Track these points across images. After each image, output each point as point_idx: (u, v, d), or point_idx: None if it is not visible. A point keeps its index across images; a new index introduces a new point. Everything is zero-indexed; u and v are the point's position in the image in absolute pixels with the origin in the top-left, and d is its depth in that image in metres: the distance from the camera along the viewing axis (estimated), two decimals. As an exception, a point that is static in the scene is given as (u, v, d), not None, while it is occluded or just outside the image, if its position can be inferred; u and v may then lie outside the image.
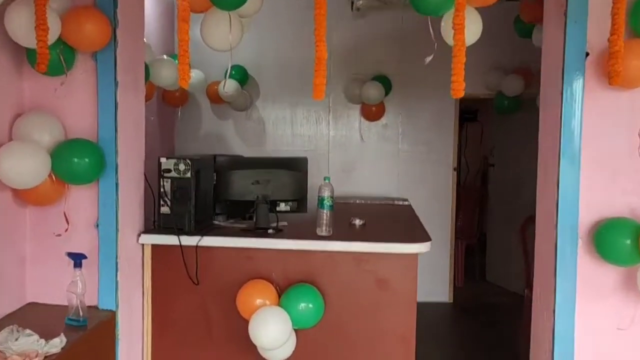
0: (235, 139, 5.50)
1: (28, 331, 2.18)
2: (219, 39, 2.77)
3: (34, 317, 2.54)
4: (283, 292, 2.83)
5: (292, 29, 5.41)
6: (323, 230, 2.96)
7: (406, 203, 4.82)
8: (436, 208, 5.48)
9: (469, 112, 6.99)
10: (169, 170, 2.88)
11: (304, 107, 5.51)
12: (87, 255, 2.54)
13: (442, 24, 2.70)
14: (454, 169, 5.55)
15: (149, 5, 4.44)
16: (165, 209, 2.89)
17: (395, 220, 3.83)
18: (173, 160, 2.89)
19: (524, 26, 4.13)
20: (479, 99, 6.25)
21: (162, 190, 2.88)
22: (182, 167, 2.88)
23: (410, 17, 5.41)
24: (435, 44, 3.01)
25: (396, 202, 4.84)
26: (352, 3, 5.36)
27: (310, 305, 2.73)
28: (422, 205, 5.11)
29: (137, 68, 2.84)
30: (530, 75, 5.24)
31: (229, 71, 3.13)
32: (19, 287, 2.61)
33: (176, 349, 2.95)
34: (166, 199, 2.88)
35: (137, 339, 2.89)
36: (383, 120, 5.47)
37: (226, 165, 3.14)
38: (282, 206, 3.13)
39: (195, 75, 4.84)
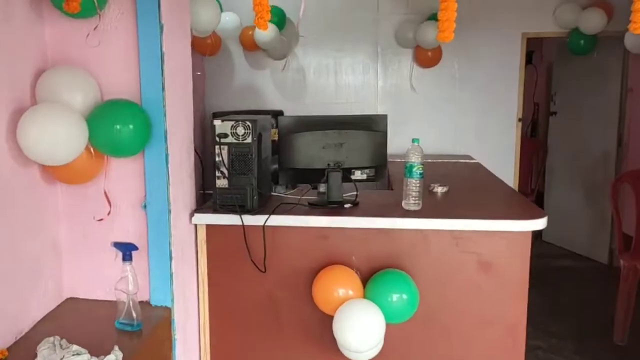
0: (272, 92, 4.95)
1: (75, 347, 1.75)
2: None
3: (77, 318, 2.11)
4: (367, 279, 2.39)
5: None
6: (412, 204, 2.48)
7: (474, 161, 4.30)
8: (498, 164, 4.92)
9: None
10: (225, 135, 2.39)
11: (349, 53, 4.92)
12: (136, 244, 2.08)
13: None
14: (519, 120, 4.99)
15: None
16: (222, 182, 2.41)
17: (480, 186, 3.33)
18: (230, 123, 2.38)
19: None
20: (538, 39, 5.63)
21: (218, 159, 2.40)
22: (240, 130, 2.38)
23: (472, -56, 4.73)
24: None
25: (462, 160, 4.32)
26: None
27: (404, 296, 2.28)
28: (483, 160, 4.60)
29: (182, 8, 2.29)
30: (611, 10, 4.59)
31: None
32: (56, 281, 2.18)
33: (240, 349, 2.54)
34: (223, 169, 2.39)
35: (193, 338, 2.48)
36: (438, 66, 4.87)
37: (290, 126, 2.64)
38: (358, 174, 2.64)
39: (229, 18, 4.25)
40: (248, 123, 2.38)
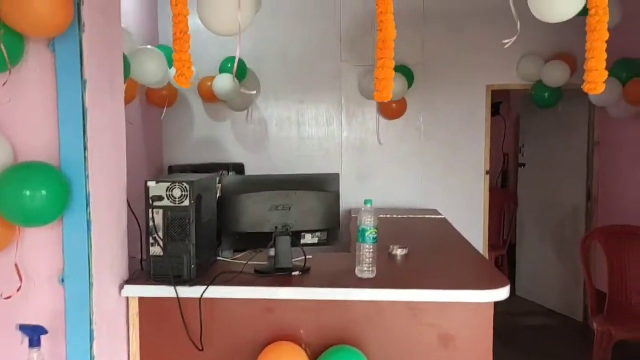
0: (233, 144, 4.78)
1: None
2: (224, 17, 2.06)
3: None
4: (316, 356, 2.16)
5: (296, 12, 4.71)
6: (365, 271, 2.29)
7: (439, 216, 4.15)
8: (466, 217, 4.82)
9: (492, 106, 6.32)
10: (159, 198, 2.18)
11: (312, 105, 4.82)
12: (47, 327, 1.84)
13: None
14: (486, 172, 4.90)
15: (127, -15, 3.72)
16: (156, 249, 2.19)
17: (442, 247, 3.15)
18: (165, 184, 2.19)
19: None
20: (505, 90, 5.62)
21: (151, 224, 2.18)
22: (177, 192, 2.18)
23: (434, -3, 4.74)
24: (518, 23, 2.36)
25: (427, 215, 4.17)
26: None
27: (356, 378, 2.05)
28: (450, 214, 4.47)
29: (112, 60, 2.13)
30: (574, 62, 4.60)
31: (237, 60, 2.43)
32: (-44, 368, 1.90)
33: None
34: (157, 236, 2.18)
35: None
36: (404, 118, 4.78)
37: (234, 186, 2.44)
38: (308, 238, 2.45)
39: (185, 69, 4.12)
40: (185, 184, 2.18)
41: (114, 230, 2.15)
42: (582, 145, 4.96)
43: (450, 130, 4.86)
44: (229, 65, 4.47)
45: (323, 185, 2.48)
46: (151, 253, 2.20)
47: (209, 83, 4.41)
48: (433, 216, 4.17)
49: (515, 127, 6.61)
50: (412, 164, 4.87)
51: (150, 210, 2.17)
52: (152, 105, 4.23)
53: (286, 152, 4.81)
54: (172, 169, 4.43)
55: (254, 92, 4.25)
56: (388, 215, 4.10)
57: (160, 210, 2.18)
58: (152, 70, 3.11)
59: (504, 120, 6.62)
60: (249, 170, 4.74)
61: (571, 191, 5.10)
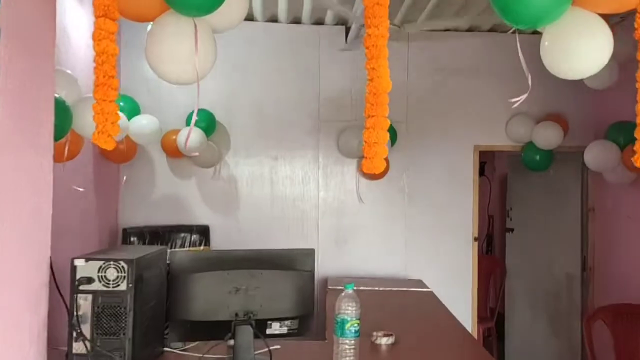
0: (199, 204, 4.37)
1: None
2: (178, 63, 1.72)
3: None
4: None
5: (271, 64, 4.44)
6: (345, 373, 1.86)
7: (425, 289, 3.76)
8: (453, 287, 4.44)
9: (476, 166, 6.08)
10: (89, 280, 1.76)
11: (288, 162, 4.47)
12: None
13: (545, 42, 1.84)
14: (474, 239, 4.56)
15: (73, 18, 3.39)
16: (79, 346, 1.75)
17: (431, 330, 2.74)
18: (97, 263, 1.77)
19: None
20: (490, 151, 5.38)
21: (75, 314, 1.75)
22: (112, 273, 1.77)
23: (417, 49, 4.52)
24: (529, 78, 2.08)
25: (412, 288, 3.77)
26: (346, 33, 4.43)
27: None
28: (436, 283, 4.09)
29: (38, 111, 1.74)
30: (566, 124, 4.38)
31: (194, 117, 2.09)
32: None
33: None
34: (78, 329, 1.74)
35: None
36: (386, 178, 4.46)
37: (186, 263, 2.02)
38: (276, 327, 2.03)
39: (146, 122, 3.76)
40: (123, 263, 1.77)
41: (26, 321, 1.71)
42: (575, 211, 4.68)
43: (436, 192, 4.55)
44: (197, 117, 4.13)
45: (295, 264, 2.08)
46: (74, 351, 1.75)
47: (174, 137, 4.04)
48: (419, 289, 3.78)
49: (501, 188, 6.35)
50: (395, 227, 4.51)
51: (75, 296, 1.74)
52: (108, 160, 3.83)
53: (258, 213, 4.42)
54: (127, 233, 3.98)
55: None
56: (370, 288, 3.70)
57: (89, 296, 1.76)
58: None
59: (489, 181, 6.37)
60: (215, 234, 4.32)
61: (565, 260, 4.77)
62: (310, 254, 2.10)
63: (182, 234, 4.13)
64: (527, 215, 5.24)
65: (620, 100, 4.14)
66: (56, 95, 1.96)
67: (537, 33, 4.39)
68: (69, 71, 2.69)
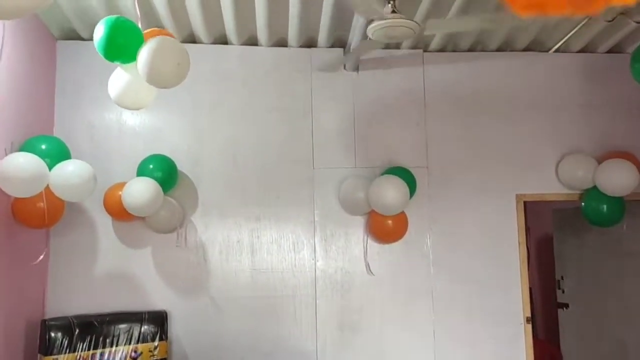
0: (155, 282, 3.30)
1: None
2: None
3: None
4: None
5: (250, 98, 3.51)
6: None
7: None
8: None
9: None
10: None
11: (273, 224, 3.44)
12: None
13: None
14: (527, 320, 3.44)
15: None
16: None
17: None
18: None
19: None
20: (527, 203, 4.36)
21: None
22: None
23: (436, 74, 3.60)
24: None
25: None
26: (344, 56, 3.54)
27: None
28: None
29: None
30: (637, 163, 3.38)
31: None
32: None
33: None
34: None
35: None
36: (404, 241, 3.42)
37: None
38: None
39: (73, 169, 2.77)
40: None
41: None
42: (655, 278, 3.59)
43: (469, 258, 3.50)
44: (151, 167, 3.16)
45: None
46: None
47: (120, 192, 3.04)
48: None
49: (540, 252, 5.27)
50: (420, 307, 3.42)
51: None
52: (23, 225, 2.81)
53: (234, 292, 3.34)
54: (46, 326, 2.88)
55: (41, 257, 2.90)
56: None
57: None
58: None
59: (527, 245, 5.27)
60: (176, 323, 3.24)
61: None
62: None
63: (128, 325, 3.04)
64: (586, 286, 4.15)
65: None
66: None
67: (585, 51, 3.49)
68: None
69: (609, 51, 3.66)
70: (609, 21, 3.27)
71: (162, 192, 3.07)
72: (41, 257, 3.02)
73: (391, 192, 3.15)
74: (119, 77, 2.28)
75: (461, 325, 3.42)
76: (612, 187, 3.25)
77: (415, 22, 2.45)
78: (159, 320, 3.12)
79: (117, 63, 2.19)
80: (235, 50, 3.51)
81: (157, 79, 2.25)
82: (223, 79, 3.49)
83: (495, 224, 3.54)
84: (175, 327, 3.24)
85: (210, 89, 3.48)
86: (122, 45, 2.12)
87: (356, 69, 3.57)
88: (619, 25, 3.30)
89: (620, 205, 3.34)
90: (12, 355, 2.79)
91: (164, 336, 3.11)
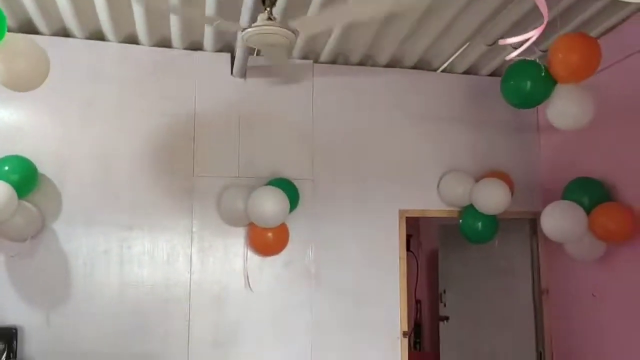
0: (5, 295, 3.01)
1: None
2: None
3: None
4: None
5: (125, 99, 3.32)
6: None
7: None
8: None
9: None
10: None
11: (147, 233, 3.26)
12: None
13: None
14: (404, 334, 3.49)
15: None
16: None
17: None
18: None
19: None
20: (413, 219, 4.47)
21: None
22: None
23: (325, 88, 3.59)
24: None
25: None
26: (232, 61, 3.44)
27: None
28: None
29: None
30: (511, 183, 3.54)
31: None
32: None
33: None
34: None
35: None
36: (285, 253, 3.36)
37: None
38: None
39: None
40: None
41: None
42: (525, 293, 3.77)
43: (352, 273, 3.50)
44: (5, 168, 2.89)
45: None
46: None
47: (-34, 193, 2.75)
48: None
49: (430, 266, 5.42)
50: (299, 323, 3.37)
51: None
52: None
53: (99, 307, 3.12)
54: None
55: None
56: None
57: None
58: None
59: (415, 258, 5.41)
60: (30, 340, 2.97)
61: (516, 356, 3.79)
62: None
63: (-31, 344, 2.75)
64: (464, 299, 4.29)
65: (579, 152, 3.37)
66: None
67: (469, 73, 3.61)
68: None
69: (491, 74, 3.81)
70: (489, 45, 3.41)
71: (16, 197, 2.81)
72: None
73: (269, 204, 3.08)
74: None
75: (339, 338, 3.40)
76: (486, 206, 3.37)
77: (291, 30, 2.39)
78: (6, 336, 2.84)
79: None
80: (112, 47, 3.31)
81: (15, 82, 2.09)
82: (98, 78, 3.28)
83: (378, 238, 3.57)
84: (30, 345, 2.97)
85: (82, 87, 3.25)
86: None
87: (243, 75, 3.48)
88: (499, 50, 3.44)
89: (494, 223, 3.48)
90: None
91: (12, 355, 2.84)
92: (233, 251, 3.36)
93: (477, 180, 3.52)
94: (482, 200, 3.38)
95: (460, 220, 3.55)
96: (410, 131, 3.69)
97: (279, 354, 3.32)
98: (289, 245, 3.35)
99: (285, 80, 3.56)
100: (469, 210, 3.49)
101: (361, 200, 3.56)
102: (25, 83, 2.26)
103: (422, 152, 3.68)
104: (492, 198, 3.34)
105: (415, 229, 5.52)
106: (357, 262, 3.51)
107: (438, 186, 3.63)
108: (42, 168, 3.06)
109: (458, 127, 3.75)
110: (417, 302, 5.55)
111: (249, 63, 3.39)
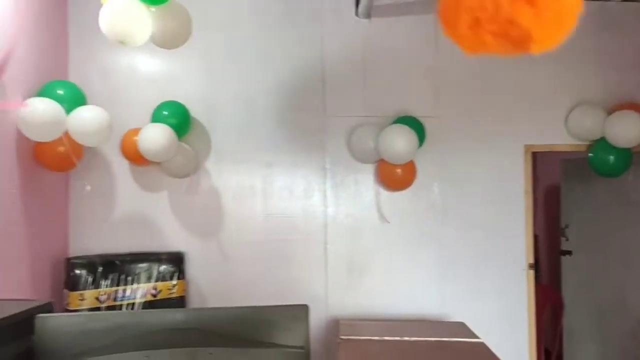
0: (171, 224, 3.47)
1: None
2: None
3: None
4: None
5: (261, 45, 3.56)
6: None
7: (474, 340, 2.80)
8: (502, 331, 3.50)
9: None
10: None
11: (285, 170, 3.56)
12: None
13: None
14: (530, 266, 3.60)
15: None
16: None
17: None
18: None
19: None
20: (536, 153, 4.45)
21: None
22: None
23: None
24: None
25: (456, 339, 2.82)
26: (357, 3, 3.56)
27: None
28: (481, 324, 3.16)
29: None
30: (645, 113, 3.44)
31: None
32: None
33: None
34: None
35: None
36: (412, 189, 3.54)
37: (67, 340, 1.11)
38: None
39: (90, 116, 2.88)
40: None
41: None
42: (658, 228, 3.72)
43: (476, 207, 3.62)
44: (165, 113, 3.26)
45: (273, 333, 1.16)
46: None
47: (135, 137, 3.16)
48: (464, 339, 2.82)
49: (547, 201, 5.40)
50: (426, 253, 3.58)
51: None
52: (44, 168, 2.95)
53: (247, 235, 3.50)
54: (71, 264, 3.08)
55: (88, 187, 3.15)
56: (397, 338, 2.76)
57: None
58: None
59: (533, 192, 5.39)
60: (192, 263, 3.42)
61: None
62: (300, 315, 1.18)
63: (147, 265, 3.23)
64: (589, 234, 4.28)
65: None
66: None
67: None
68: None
69: None
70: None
71: (176, 138, 3.18)
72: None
73: (400, 142, 3.25)
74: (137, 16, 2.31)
75: (466, 269, 3.57)
76: (620, 139, 3.32)
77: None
78: (176, 260, 3.30)
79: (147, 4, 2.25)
80: (247, -5, 3.55)
81: (167, 42, 2.38)
82: (235, 25, 3.54)
83: (503, 173, 3.64)
84: (192, 268, 3.43)
85: (222, 35, 3.53)
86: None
87: (368, 15, 3.59)
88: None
89: (628, 157, 3.42)
90: (39, 291, 2.99)
91: (181, 276, 3.30)
92: (364, 186, 3.59)
93: (608, 113, 3.45)
94: (615, 133, 3.33)
95: (590, 154, 3.53)
96: (536, 63, 3.65)
97: (409, 282, 3.56)
98: (416, 180, 3.53)
99: (409, 18, 3.63)
100: (601, 143, 3.46)
101: (486, 135, 3.62)
102: (175, 42, 2.54)
103: (549, 85, 3.64)
104: (627, 131, 3.28)
105: (532, 164, 5.47)
106: (482, 196, 3.62)
107: (566, 120, 3.61)
108: (193, 112, 3.41)
109: (587, 58, 3.66)
110: (535, 236, 5.57)
111: (375, 2, 3.49)
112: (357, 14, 3.60)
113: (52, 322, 1.11)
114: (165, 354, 1.11)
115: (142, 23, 2.21)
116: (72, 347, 1.10)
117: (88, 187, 3.36)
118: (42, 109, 2.68)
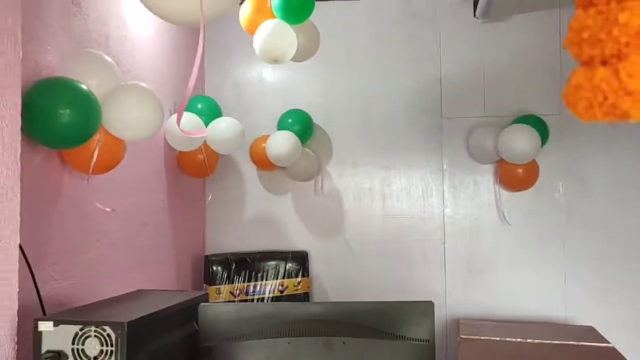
0: (295, 225, 3.71)
1: None
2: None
3: None
4: None
5: (376, 52, 3.69)
6: None
7: (604, 344, 2.73)
8: (637, 338, 3.33)
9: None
10: (60, 356, 1.11)
11: (403, 172, 3.66)
12: None
13: None
14: (667, 270, 3.40)
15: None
16: None
17: None
18: (72, 329, 1.12)
19: None
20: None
21: (35, 414, 1.11)
22: (93, 347, 1.11)
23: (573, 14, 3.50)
24: None
25: (583, 342, 2.76)
26: (475, 4, 3.56)
27: None
28: (609, 329, 3.03)
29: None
30: None
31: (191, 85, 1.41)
32: None
33: None
34: None
35: None
36: (534, 189, 3.48)
37: (225, 326, 1.32)
38: None
39: (226, 126, 3.18)
40: (108, 330, 1.10)
41: None
42: None
43: (603, 206, 3.47)
44: (289, 120, 3.50)
45: (401, 326, 1.29)
46: None
47: (264, 144, 3.43)
48: (593, 343, 2.75)
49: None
50: (550, 254, 3.50)
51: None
52: (186, 174, 3.30)
53: (366, 235, 3.65)
54: (209, 261, 3.42)
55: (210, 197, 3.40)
56: (519, 340, 2.76)
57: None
58: (142, 117, 2.10)
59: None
60: (315, 262, 3.64)
61: None
62: (426, 310, 1.29)
63: (275, 262, 3.49)
64: None
65: None
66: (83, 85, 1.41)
67: None
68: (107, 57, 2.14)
69: None
70: None
71: (300, 144, 3.41)
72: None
73: (521, 142, 3.22)
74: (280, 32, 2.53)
75: (593, 271, 3.45)
76: None
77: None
78: (300, 259, 3.53)
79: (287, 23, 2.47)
80: (360, 4, 3.68)
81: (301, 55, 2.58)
82: (350, 33, 3.70)
83: (630, 170, 3.47)
84: (315, 266, 3.65)
85: (338, 43, 3.70)
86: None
87: (487, 15, 3.59)
88: None
89: None
90: (183, 285, 3.36)
91: (305, 273, 3.52)
92: (483, 187, 3.59)
93: None
94: None
95: None
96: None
97: (531, 283, 3.51)
98: (538, 181, 3.46)
99: (529, 16, 3.57)
100: None
101: (611, 132, 3.47)
102: (306, 55, 2.75)
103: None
104: None
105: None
106: (608, 196, 3.47)
107: None
108: (314, 118, 3.62)
109: None
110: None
111: (491, 4, 3.48)
112: (475, 14, 3.61)
113: (212, 310, 1.32)
114: (304, 341, 1.28)
115: (291, 41, 2.43)
116: (227, 332, 1.30)
117: (209, 197, 3.69)
118: (186, 121, 3.00)
